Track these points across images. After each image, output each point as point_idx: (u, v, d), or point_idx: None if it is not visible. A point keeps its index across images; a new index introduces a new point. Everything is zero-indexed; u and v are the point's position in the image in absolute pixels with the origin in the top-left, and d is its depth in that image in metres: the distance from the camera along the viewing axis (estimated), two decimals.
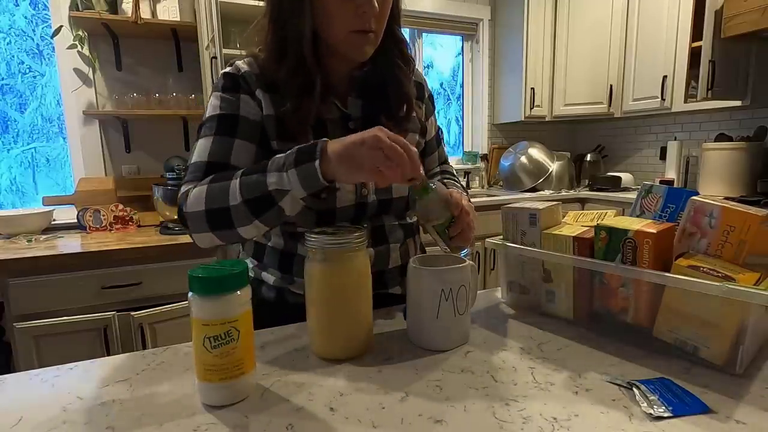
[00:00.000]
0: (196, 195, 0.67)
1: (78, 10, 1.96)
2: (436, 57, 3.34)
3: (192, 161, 0.73)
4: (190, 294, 0.49)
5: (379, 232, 0.82)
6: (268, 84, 0.75)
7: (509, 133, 3.41)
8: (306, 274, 0.62)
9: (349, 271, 0.60)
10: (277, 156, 0.63)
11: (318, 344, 0.63)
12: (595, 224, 0.67)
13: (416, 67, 0.90)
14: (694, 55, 2.37)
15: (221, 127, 0.73)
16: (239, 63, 0.77)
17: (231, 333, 0.50)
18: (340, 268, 0.60)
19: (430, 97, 0.96)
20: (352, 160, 0.58)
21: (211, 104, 0.75)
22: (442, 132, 1.04)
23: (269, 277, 0.82)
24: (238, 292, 0.50)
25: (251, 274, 0.86)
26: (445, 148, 1.05)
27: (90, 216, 2.02)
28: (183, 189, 0.70)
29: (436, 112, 0.99)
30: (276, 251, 0.82)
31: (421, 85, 0.92)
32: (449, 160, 1.05)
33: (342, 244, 0.59)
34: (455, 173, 1.03)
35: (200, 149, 0.73)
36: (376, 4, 0.68)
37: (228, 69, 0.77)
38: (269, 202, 0.62)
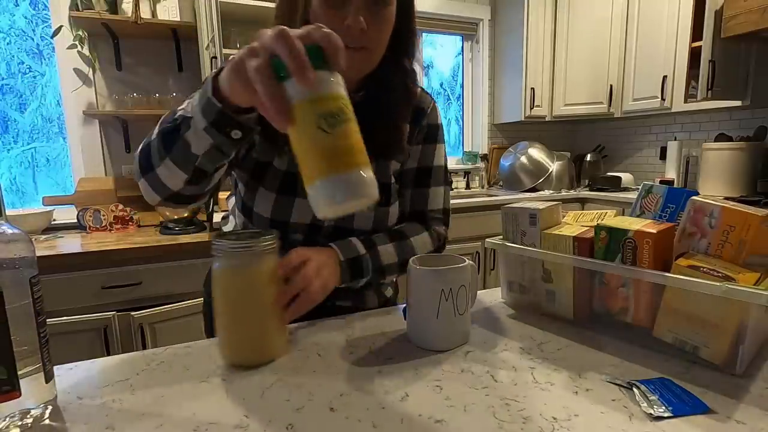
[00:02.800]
0: (138, 151, 0.63)
1: (78, 10, 1.96)
2: (436, 57, 3.34)
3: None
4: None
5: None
6: None
7: (509, 133, 3.41)
8: (212, 278, 0.60)
9: (251, 275, 0.58)
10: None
11: (222, 350, 0.61)
12: (595, 224, 0.67)
13: (435, 106, 0.86)
14: (694, 55, 2.37)
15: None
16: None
17: (344, 111, 0.41)
18: (241, 272, 0.58)
19: (439, 131, 0.87)
20: (232, 69, 0.45)
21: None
22: (441, 171, 0.86)
23: None
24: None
25: None
26: (439, 193, 0.86)
27: (90, 216, 2.02)
28: None
29: (441, 145, 0.87)
30: None
31: (435, 127, 0.85)
32: (440, 203, 0.87)
33: (244, 247, 0.57)
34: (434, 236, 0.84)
35: (185, 103, 0.70)
36: (363, 21, 0.65)
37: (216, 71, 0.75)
38: (176, 133, 0.55)
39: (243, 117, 0.51)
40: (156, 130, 0.59)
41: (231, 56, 0.47)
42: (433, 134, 0.86)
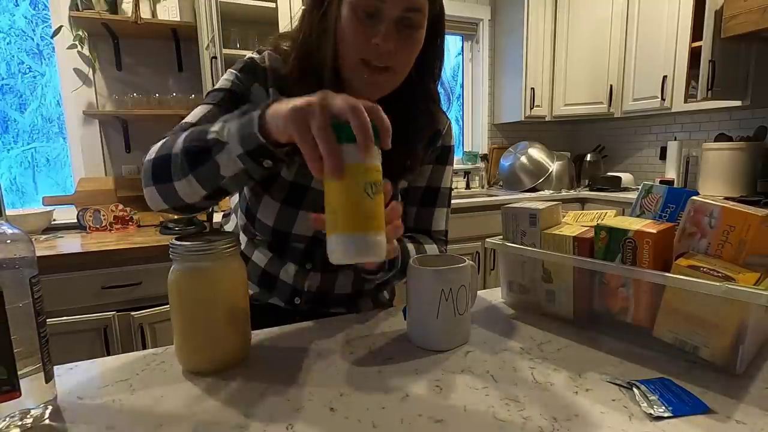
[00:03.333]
0: (155, 146, 0.64)
1: (78, 10, 1.96)
2: None
3: (185, 120, 0.70)
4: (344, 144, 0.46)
5: (329, 261, 0.79)
6: (284, 88, 0.72)
7: (509, 133, 3.41)
8: (168, 281, 0.58)
9: (209, 279, 0.56)
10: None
11: (178, 356, 0.59)
12: (595, 224, 0.67)
13: (450, 127, 0.85)
14: (694, 55, 2.37)
15: (225, 100, 0.71)
16: (266, 53, 0.74)
17: (380, 182, 0.48)
18: (199, 275, 0.56)
19: (450, 153, 0.87)
20: (292, 119, 0.47)
21: (224, 78, 0.73)
22: (447, 194, 0.87)
23: (253, 286, 0.84)
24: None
25: None
26: (442, 215, 0.86)
27: (90, 216, 2.02)
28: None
29: (449, 167, 0.87)
30: (257, 268, 0.82)
31: (447, 149, 0.85)
32: (442, 224, 0.87)
33: (202, 250, 0.55)
34: (427, 243, 0.82)
35: (196, 112, 0.70)
36: (392, 43, 0.63)
37: (254, 55, 0.74)
38: (206, 154, 0.55)
39: (280, 150, 0.52)
40: (179, 145, 0.59)
41: (284, 101, 0.50)
42: (445, 156, 0.86)
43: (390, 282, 0.80)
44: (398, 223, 0.57)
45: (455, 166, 3.20)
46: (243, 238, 0.85)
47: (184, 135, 0.59)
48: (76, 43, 2.05)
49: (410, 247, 0.77)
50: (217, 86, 0.73)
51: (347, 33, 0.64)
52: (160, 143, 0.64)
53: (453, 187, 0.91)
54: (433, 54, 0.73)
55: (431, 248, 0.82)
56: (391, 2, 0.62)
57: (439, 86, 0.80)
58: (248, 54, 0.75)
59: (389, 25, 0.63)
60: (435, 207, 0.86)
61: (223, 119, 0.56)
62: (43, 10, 2.15)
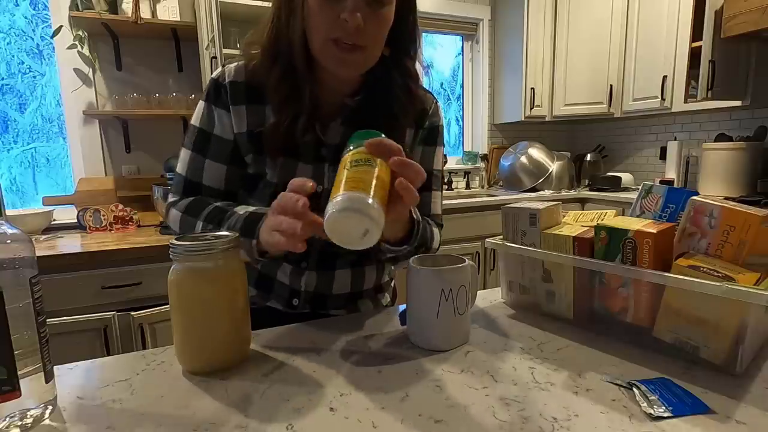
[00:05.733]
0: (173, 217, 0.77)
1: (78, 10, 1.96)
2: (436, 57, 3.34)
3: (176, 169, 0.80)
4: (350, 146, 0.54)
5: (326, 259, 0.80)
6: (252, 94, 0.73)
7: (509, 133, 3.41)
8: (168, 281, 0.58)
9: (207, 280, 0.57)
10: (234, 213, 0.68)
11: (178, 355, 0.59)
12: (595, 224, 0.67)
13: (438, 106, 0.84)
14: (694, 55, 2.37)
15: (197, 144, 0.77)
16: (228, 68, 0.75)
17: (371, 161, 0.51)
18: (200, 274, 0.56)
19: (440, 133, 0.85)
20: (268, 231, 0.58)
21: (198, 109, 0.78)
22: (440, 177, 0.87)
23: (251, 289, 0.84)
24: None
25: None
26: (437, 198, 0.86)
27: (90, 216, 2.02)
28: (169, 199, 0.80)
29: (440, 148, 0.86)
30: (254, 270, 0.83)
31: (435, 129, 0.84)
32: (438, 208, 0.87)
33: (202, 249, 0.56)
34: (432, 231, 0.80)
35: (181, 161, 0.79)
36: (360, 18, 0.62)
37: (215, 74, 0.76)
38: (216, 227, 0.68)
39: (269, 256, 0.65)
40: (199, 224, 0.72)
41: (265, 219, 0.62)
42: (434, 136, 0.84)
43: (409, 256, 0.75)
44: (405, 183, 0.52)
45: (456, 166, 3.24)
46: None
47: (198, 229, 0.72)
48: (76, 43, 2.05)
49: (426, 226, 0.74)
50: (192, 120, 0.78)
51: (314, 11, 0.63)
52: (173, 215, 0.77)
53: (452, 180, 0.93)
54: (405, 30, 0.71)
55: (435, 231, 0.80)
56: None
57: (419, 65, 0.77)
58: (211, 75, 0.78)
59: (357, 1, 0.62)
60: (431, 191, 0.84)
61: (227, 226, 0.67)
62: (43, 10, 2.15)
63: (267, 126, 0.72)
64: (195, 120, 0.78)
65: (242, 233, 0.63)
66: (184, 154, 0.78)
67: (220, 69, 0.76)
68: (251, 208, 0.68)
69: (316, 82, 0.71)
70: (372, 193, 0.48)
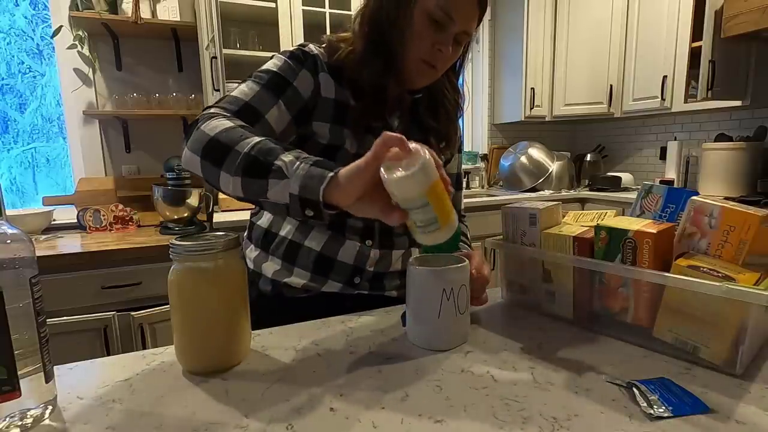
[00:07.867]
0: (216, 124, 0.64)
1: (78, 10, 1.96)
2: None
3: (232, 94, 0.73)
4: None
5: (386, 237, 0.86)
6: (334, 74, 0.80)
7: (509, 133, 3.41)
8: (168, 282, 0.58)
9: (207, 280, 0.57)
10: (302, 153, 0.59)
11: (178, 355, 0.59)
12: (595, 224, 0.67)
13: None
14: (694, 55, 2.37)
15: (272, 83, 0.75)
16: (311, 46, 0.80)
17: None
18: (197, 276, 0.56)
19: (462, 142, 1.04)
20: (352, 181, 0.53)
21: (272, 61, 0.78)
22: (461, 179, 1.04)
23: (268, 269, 0.85)
24: None
25: (250, 265, 0.88)
26: (461, 196, 1.04)
27: (90, 216, 2.02)
28: (211, 110, 0.69)
29: (459, 156, 1.01)
30: (284, 240, 0.84)
31: (459, 138, 0.98)
32: (460, 205, 1.04)
33: (203, 250, 0.56)
34: (466, 229, 0.99)
35: (244, 89, 0.74)
36: (450, 49, 0.76)
37: (300, 44, 0.82)
38: (264, 171, 0.57)
39: (327, 212, 0.54)
40: (244, 147, 0.59)
41: (353, 166, 0.53)
42: (460, 144, 1.01)
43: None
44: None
45: None
46: (288, 227, 0.84)
47: (253, 141, 0.60)
48: (76, 43, 2.05)
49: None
50: (264, 67, 0.77)
51: (418, 33, 0.75)
52: (219, 122, 0.64)
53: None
54: (461, 58, 0.88)
55: (463, 227, 0.97)
56: (458, 22, 0.74)
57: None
58: (296, 44, 0.82)
59: (450, 38, 0.76)
60: (459, 191, 1.01)
61: (298, 154, 0.57)
62: (43, 10, 2.15)
63: (358, 105, 0.79)
64: (270, 66, 0.77)
65: (316, 163, 0.56)
66: (251, 85, 0.74)
67: (301, 43, 0.81)
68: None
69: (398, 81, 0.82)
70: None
